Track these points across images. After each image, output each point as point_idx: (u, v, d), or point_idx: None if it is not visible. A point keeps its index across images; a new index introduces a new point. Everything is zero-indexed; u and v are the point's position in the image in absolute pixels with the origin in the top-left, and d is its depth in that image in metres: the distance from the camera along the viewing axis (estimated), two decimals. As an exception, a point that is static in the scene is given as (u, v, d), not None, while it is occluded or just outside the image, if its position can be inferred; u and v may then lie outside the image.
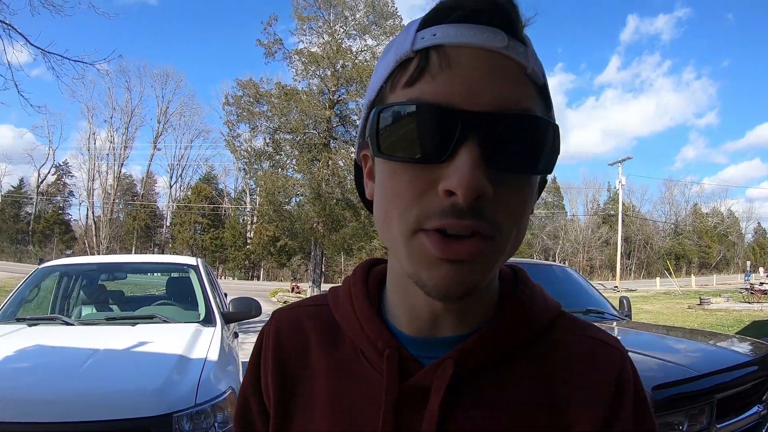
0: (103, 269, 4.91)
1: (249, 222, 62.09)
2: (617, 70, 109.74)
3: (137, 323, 3.72)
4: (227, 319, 4.18)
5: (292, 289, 28.99)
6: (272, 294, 28.14)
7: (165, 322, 3.80)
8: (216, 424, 2.47)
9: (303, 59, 21.17)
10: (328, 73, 21.15)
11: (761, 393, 2.78)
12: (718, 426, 2.39)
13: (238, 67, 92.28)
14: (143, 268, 5.05)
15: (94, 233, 56.12)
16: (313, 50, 21.24)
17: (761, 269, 47.16)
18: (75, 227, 64.51)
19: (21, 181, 63.38)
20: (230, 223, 61.94)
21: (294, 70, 21.70)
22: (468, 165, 0.45)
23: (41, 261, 5.22)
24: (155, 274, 5.30)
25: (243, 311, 4.25)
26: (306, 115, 20.32)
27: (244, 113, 21.30)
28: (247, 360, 0.73)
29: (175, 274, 4.99)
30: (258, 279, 58.93)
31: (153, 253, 52.97)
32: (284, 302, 24.13)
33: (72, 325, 3.73)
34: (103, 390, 2.42)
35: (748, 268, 48.57)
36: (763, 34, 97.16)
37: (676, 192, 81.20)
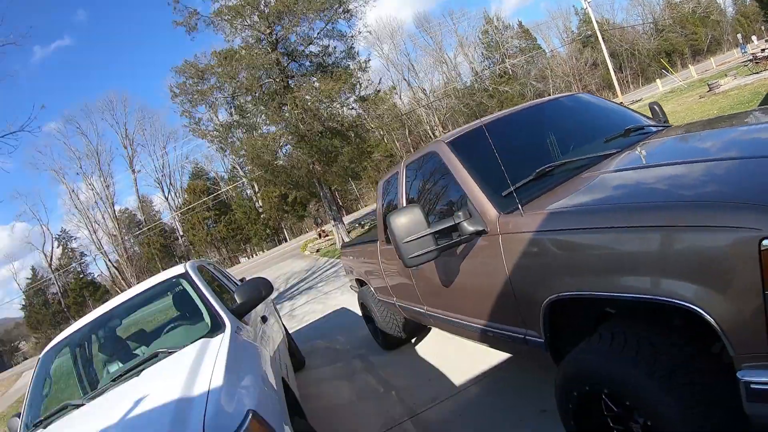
0: (97, 326, 4.27)
1: (253, 193, 61.81)
2: None
3: (142, 369, 3.11)
4: (239, 313, 3.60)
5: (320, 235, 28.96)
6: (303, 248, 28.02)
7: (170, 353, 3.16)
8: None
9: (226, 17, 19.93)
10: (256, 17, 19.89)
11: None
12: None
13: (169, 61, 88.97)
14: (132, 305, 4.38)
15: (120, 278, 56.37)
16: (231, 3, 19.95)
17: (754, 38, 45.95)
18: (102, 281, 64.71)
19: (33, 269, 63.97)
20: (236, 203, 61.68)
21: (222, 32, 20.60)
22: None
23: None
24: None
25: (252, 297, 3.68)
26: (254, 68, 19.29)
27: (196, 96, 20.33)
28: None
29: (174, 291, 4.38)
30: (286, 240, 59.19)
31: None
32: (317, 251, 23.99)
33: (81, 405, 3.12)
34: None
35: (741, 41, 47.25)
36: None
37: (644, -11, 78.31)
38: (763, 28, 44.93)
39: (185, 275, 4.03)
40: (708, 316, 1.66)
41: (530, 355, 2.84)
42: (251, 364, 2.76)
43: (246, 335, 3.31)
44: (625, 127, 3.50)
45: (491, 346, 3.43)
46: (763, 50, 29.10)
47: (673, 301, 1.76)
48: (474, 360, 4.52)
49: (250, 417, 2.04)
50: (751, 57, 29.63)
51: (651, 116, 4.03)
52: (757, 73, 22.04)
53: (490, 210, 2.80)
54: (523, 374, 3.97)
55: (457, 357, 4.81)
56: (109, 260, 58.97)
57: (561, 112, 4.08)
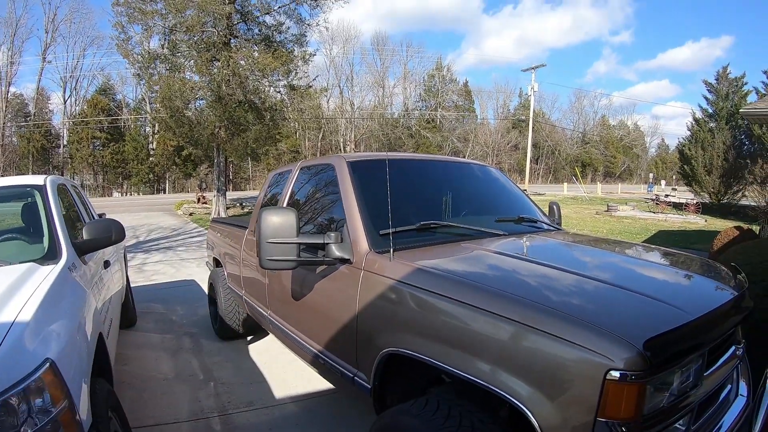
0: None
1: (151, 133, 58.99)
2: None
3: None
4: (81, 249, 3.30)
5: (198, 200, 27.90)
6: (177, 206, 26.91)
7: None
8: (33, 416, 1.70)
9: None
10: (227, -36, 19.12)
11: (737, 331, 2.31)
12: (705, 375, 1.89)
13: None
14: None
15: (-14, 162, 51.48)
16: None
17: (663, 182, 50.10)
18: (-34, 156, 58.74)
19: None
20: (131, 135, 58.51)
21: (189, -38, 19.49)
22: None
23: None
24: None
25: (100, 237, 3.38)
26: (204, 11, 18.38)
27: (136, 13, 18.98)
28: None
29: (26, 200, 3.96)
30: (164, 192, 56.76)
31: (52, 175, 49.02)
32: (190, 214, 23.13)
33: None
34: None
35: (651, 180, 51.26)
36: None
37: (586, 103, 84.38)
38: (674, 177, 49.00)
39: (41, 189, 3.67)
40: (534, 420, 1.68)
41: (356, 394, 2.77)
42: (70, 309, 2.48)
43: (78, 275, 3.02)
44: (519, 215, 3.58)
45: (320, 373, 3.34)
46: (666, 195, 32.09)
47: (505, 394, 1.78)
48: (301, 378, 4.46)
49: (46, 366, 1.81)
50: (654, 197, 32.41)
51: (548, 213, 4.17)
52: (654, 213, 23.97)
53: (363, 243, 2.74)
54: (344, 409, 3.92)
55: (286, 370, 4.71)
56: (-17, 140, 53.73)
57: (467, 176, 4.11)
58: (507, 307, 1.87)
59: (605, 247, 3.24)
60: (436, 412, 1.97)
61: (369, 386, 2.53)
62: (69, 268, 2.92)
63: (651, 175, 57.57)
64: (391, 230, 2.62)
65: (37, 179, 3.86)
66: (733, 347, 2.21)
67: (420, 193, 3.55)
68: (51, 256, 3.04)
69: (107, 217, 4.19)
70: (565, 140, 79.37)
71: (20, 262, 2.88)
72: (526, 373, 1.74)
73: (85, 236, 3.36)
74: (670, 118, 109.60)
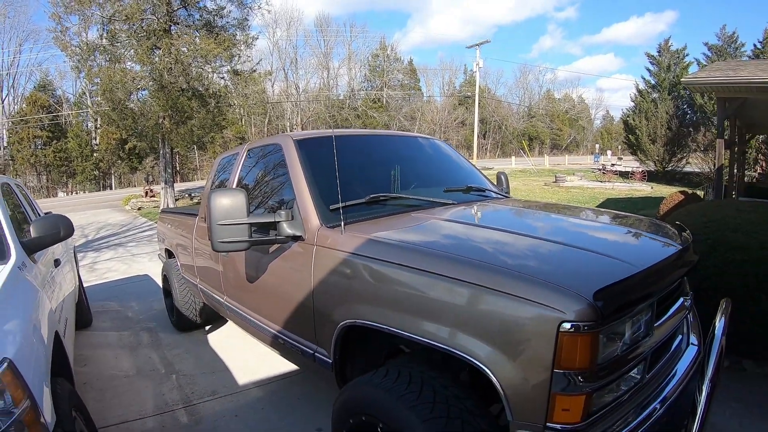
0: None
1: (94, 128, 57.27)
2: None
3: None
4: (30, 248, 3.22)
5: (146, 193, 27.36)
6: (125, 201, 26.29)
7: None
8: None
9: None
10: (164, -50, 18.58)
11: (682, 284, 2.44)
12: (656, 326, 1.98)
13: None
14: None
15: None
16: None
17: (609, 152, 51.24)
18: None
19: None
20: (73, 132, 56.66)
21: (128, -54, 18.84)
22: None
23: None
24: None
25: (48, 233, 3.30)
26: (143, -1, 17.95)
27: (73, 3, 18.24)
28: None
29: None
30: (111, 188, 55.31)
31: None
32: (139, 209, 22.64)
33: None
34: None
35: (597, 151, 52.44)
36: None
37: (531, 78, 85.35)
38: (620, 147, 50.28)
39: None
40: (494, 378, 1.74)
41: (318, 372, 2.80)
42: (24, 309, 2.42)
43: (29, 275, 2.94)
44: (467, 184, 3.64)
45: (280, 354, 3.35)
46: (612, 165, 32.89)
47: (465, 356, 1.83)
48: (263, 362, 4.48)
49: (4, 366, 1.79)
50: (601, 167, 33.22)
51: (496, 183, 4.25)
52: (601, 182, 24.59)
53: (314, 219, 2.75)
54: (309, 389, 3.97)
55: (247, 356, 4.74)
56: None
57: (415, 149, 4.17)
58: (461, 270, 1.92)
59: (554, 212, 3.33)
60: (397, 380, 2.02)
61: (330, 361, 2.56)
62: (19, 268, 2.85)
63: (597, 145, 59.05)
64: (340, 204, 2.65)
65: None
66: (681, 299, 2.33)
67: (368, 167, 3.58)
68: None
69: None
70: (511, 115, 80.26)
71: None
72: (484, 333, 1.80)
73: (33, 234, 3.28)
74: (615, 90, 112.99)
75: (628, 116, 33.40)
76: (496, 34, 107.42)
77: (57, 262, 4.09)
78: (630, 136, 32.30)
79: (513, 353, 1.72)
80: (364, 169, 3.51)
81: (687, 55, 33.19)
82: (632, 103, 33.73)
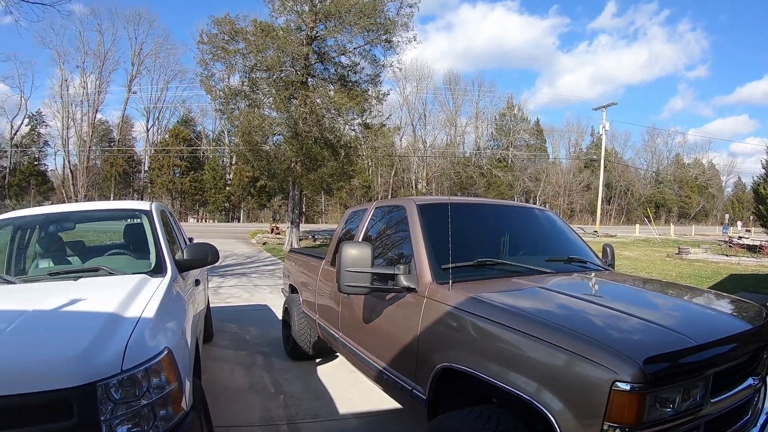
0: (51, 220, 4.55)
1: (228, 163, 61.61)
2: (612, 17, 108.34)
3: (80, 277, 3.41)
4: (182, 267, 3.90)
5: (272, 230, 28.97)
6: (252, 235, 28.04)
7: (111, 274, 3.48)
8: (151, 390, 2.16)
9: (280, -6, 20.20)
10: (306, 8, 20.23)
11: (755, 364, 2.56)
12: (712, 400, 2.17)
13: (213, 4, 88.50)
14: (92, 216, 4.70)
15: (71, 182, 55.03)
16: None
17: (739, 223, 48.26)
18: (52, 177, 63.08)
19: (-6, 133, 61.15)
20: (209, 165, 61.30)
21: (271, 6, 20.81)
22: None
23: None
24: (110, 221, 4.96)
25: (198, 257, 3.99)
26: (283, 52, 19.53)
27: (219, 51, 20.35)
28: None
29: (129, 221, 4.64)
30: (239, 221, 58.77)
31: (132, 199, 52.19)
32: (264, 243, 24.06)
33: (12, 283, 3.41)
34: (19, 359, 2.08)
35: (726, 221, 49.64)
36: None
37: (659, 141, 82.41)
38: (751, 217, 47.18)
39: (148, 213, 4.29)
40: (556, 426, 2.06)
41: (414, 412, 3.18)
42: (178, 314, 3.02)
43: (180, 288, 3.59)
44: (569, 255, 3.93)
45: (382, 388, 3.75)
46: (740, 237, 30.64)
47: (536, 404, 2.15)
48: (365, 398, 4.84)
49: (166, 352, 2.31)
50: (728, 239, 31.14)
51: (601, 255, 4.49)
52: (728, 255, 23.05)
53: (427, 275, 3.19)
54: (403, 428, 4.26)
55: (350, 390, 5.10)
56: (69, 161, 57.49)
57: (524, 219, 4.53)
58: (548, 335, 2.24)
59: (640, 286, 3.56)
60: (488, 422, 2.33)
61: (425, 397, 2.94)
62: (173, 281, 3.50)
63: (726, 215, 55.50)
64: (450, 265, 3.06)
65: (144, 204, 4.53)
66: (751, 379, 2.47)
67: (480, 233, 3.98)
68: (158, 270, 3.65)
69: (195, 241, 4.82)
70: (638, 180, 77.70)
71: (133, 274, 3.51)
72: (557, 387, 2.12)
73: (185, 256, 3.98)
74: (748, 155, 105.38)
75: (758, 184, 31.13)
76: (625, 93, 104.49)
77: (197, 282, 4.79)
78: (760, 206, 30.06)
79: (576, 404, 2.03)
80: (476, 234, 3.92)
81: (825, 115, 30.60)
82: (763, 170, 31.46)
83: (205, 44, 20.45)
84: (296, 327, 5.89)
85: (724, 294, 3.49)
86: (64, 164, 58.73)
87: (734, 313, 2.85)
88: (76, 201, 46.15)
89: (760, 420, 2.57)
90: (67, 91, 56.85)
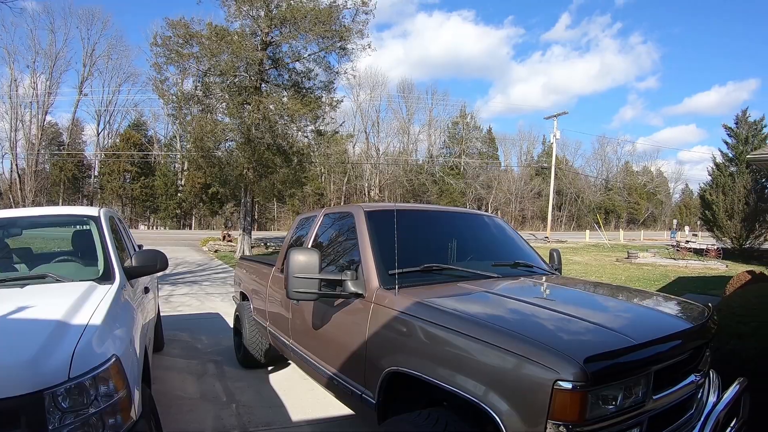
0: None
1: (180, 169, 60.45)
2: (566, 28, 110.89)
3: (27, 284, 3.38)
4: (130, 274, 3.88)
5: (224, 237, 28.69)
6: (203, 243, 27.63)
7: (58, 281, 3.45)
8: (99, 398, 2.17)
9: (236, -2, 20.04)
10: (262, 13, 20.14)
11: (697, 361, 2.70)
12: (654, 397, 2.29)
13: (168, 6, 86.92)
14: (39, 222, 4.60)
15: (18, 186, 52.96)
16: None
17: (687, 228, 49.85)
18: (-1, 181, 60.48)
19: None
20: (161, 170, 60.06)
21: (227, 10, 20.55)
22: None
23: None
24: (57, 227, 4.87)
25: (147, 265, 3.97)
26: (237, 57, 19.35)
27: (173, 55, 20.00)
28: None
29: (77, 227, 4.58)
30: (190, 228, 57.76)
31: (81, 205, 50.78)
32: (215, 251, 23.75)
33: None
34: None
35: (674, 226, 51.22)
36: (713, 5, 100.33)
37: (609, 149, 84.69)
38: (698, 223, 48.87)
39: (96, 219, 4.25)
40: (502, 427, 2.14)
41: (364, 417, 3.24)
42: (126, 321, 3.02)
43: (128, 295, 3.58)
44: (515, 260, 4.07)
45: (333, 394, 3.81)
46: (687, 242, 31.78)
47: (484, 406, 2.23)
48: (317, 405, 4.89)
49: (113, 360, 2.31)
50: (675, 243, 32.22)
51: (548, 260, 4.65)
52: (675, 259, 23.84)
53: (374, 281, 3.26)
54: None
55: (303, 397, 5.14)
56: (16, 165, 55.30)
57: (472, 225, 4.67)
58: (493, 337, 2.32)
59: (583, 289, 3.73)
60: (435, 424, 2.40)
61: (374, 401, 3.00)
62: (121, 288, 3.49)
63: (674, 221, 57.47)
64: (397, 270, 3.14)
65: (93, 210, 4.48)
66: (693, 376, 2.61)
67: (427, 239, 4.09)
68: (106, 277, 3.63)
69: (145, 248, 4.79)
70: (588, 187, 79.53)
71: (80, 281, 3.49)
72: (501, 388, 2.20)
73: (134, 263, 3.95)
74: (696, 162, 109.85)
75: (705, 191, 32.01)
76: (578, 104, 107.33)
77: (146, 290, 4.77)
78: (706, 211, 30.92)
79: (521, 405, 2.11)
80: (423, 240, 4.02)
81: (765, 126, 31.55)
82: (709, 177, 32.48)
83: (159, 47, 20.08)
84: (247, 335, 5.88)
85: (671, 296, 3.67)
86: (11, 168, 56.52)
87: (677, 313, 3.01)
88: (24, 206, 44.54)
89: (703, 414, 2.67)
90: (17, 91, 54.80)
